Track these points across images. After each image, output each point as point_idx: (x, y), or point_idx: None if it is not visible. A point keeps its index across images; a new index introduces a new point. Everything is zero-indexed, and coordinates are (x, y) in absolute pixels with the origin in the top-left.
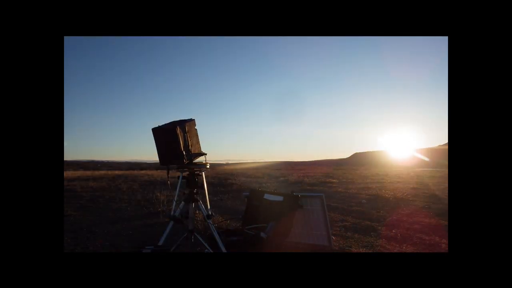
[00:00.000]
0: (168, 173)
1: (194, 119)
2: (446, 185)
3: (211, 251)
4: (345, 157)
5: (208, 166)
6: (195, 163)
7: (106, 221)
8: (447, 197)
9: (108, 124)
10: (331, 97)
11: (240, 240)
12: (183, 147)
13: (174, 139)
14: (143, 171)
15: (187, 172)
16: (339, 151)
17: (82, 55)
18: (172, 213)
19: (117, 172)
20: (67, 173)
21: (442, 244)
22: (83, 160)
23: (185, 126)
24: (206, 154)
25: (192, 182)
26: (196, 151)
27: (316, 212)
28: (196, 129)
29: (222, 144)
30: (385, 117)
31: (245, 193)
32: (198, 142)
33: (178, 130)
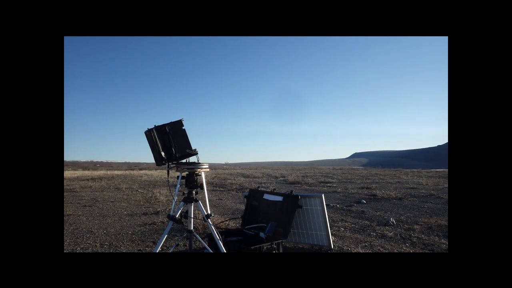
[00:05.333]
0: (168, 173)
1: (180, 120)
2: (444, 185)
3: (211, 251)
4: (344, 157)
5: (207, 166)
6: (194, 163)
7: (106, 221)
8: (445, 197)
9: (108, 124)
10: (331, 97)
11: (239, 240)
12: (163, 148)
13: (151, 142)
14: (142, 171)
15: (187, 172)
16: (339, 151)
17: (82, 55)
18: (171, 213)
19: (116, 172)
20: (67, 173)
21: (442, 244)
22: (83, 161)
23: (165, 127)
24: (197, 153)
25: (192, 182)
26: (183, 152)
27: (315, 212)
28: (183, 129)
29: (222, 145)
30: (385, 116)
31: (244, 193)
32: (186, 142)
33: (154, 133)
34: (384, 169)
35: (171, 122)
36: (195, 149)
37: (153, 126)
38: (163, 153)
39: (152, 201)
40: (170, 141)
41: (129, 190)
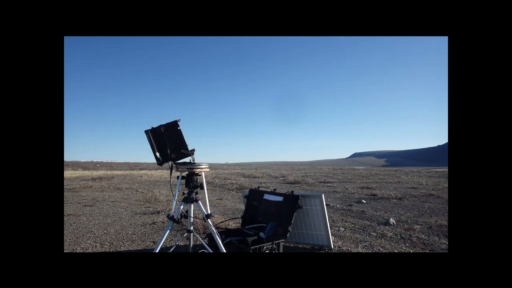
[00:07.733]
0: (170, 173)
1: (176, 120)
2: (444, 184)
3: (211, 251)
4: (344, 157)
5: (207, 166)
6: (194, 163)
7: (106, 221)
8: (445, 197)
9: (108, 124)
10: (331, 97)
11: (239, 240)
12: (158, 149)
13: (149, 143)
14: (142, 171)
15: (187, 172)
16: (338, 151)
17: (82, 55)
18: (171, 213)
19: (116, 172)
20: (67, 173)
21: (442, 244)
22: (83, 161)
23: (160, 129)
24: (193, 154)
25: (192, 182)
26: (178, 152)
27: (315, 212)
28: (179, 130)
29: (222, 145)
30: (385, 117)
31: (244, 193)
32: (182, 143)
33: (149, 135)
34: (384, 168)
35: (166, 123)
36: (192, 150)
37: (150, 128)
38: (157, 154)
39: (152, 201)
40: (165, 142)
41: (129, 190)
